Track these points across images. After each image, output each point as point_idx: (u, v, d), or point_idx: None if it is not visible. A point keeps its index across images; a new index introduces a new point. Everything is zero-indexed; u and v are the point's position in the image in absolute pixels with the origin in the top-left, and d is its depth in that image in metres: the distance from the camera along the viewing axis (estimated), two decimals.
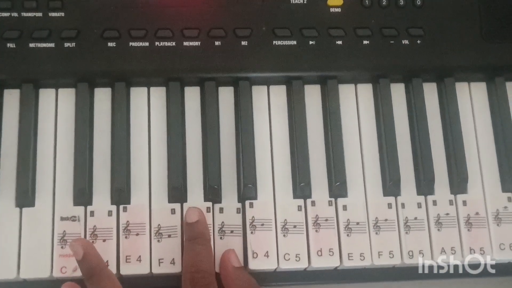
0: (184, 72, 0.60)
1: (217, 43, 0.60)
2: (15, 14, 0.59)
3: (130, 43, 0.59)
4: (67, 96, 0.59)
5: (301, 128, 0.59)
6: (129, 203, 0.57)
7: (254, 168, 0.58)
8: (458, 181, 0.59)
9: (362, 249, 0.57)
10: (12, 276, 0.54)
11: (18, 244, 0.55)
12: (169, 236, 0.56)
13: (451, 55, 0.61)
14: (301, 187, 0.57)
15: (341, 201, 0.58)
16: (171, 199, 0.57)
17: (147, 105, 0.60)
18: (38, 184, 0.57)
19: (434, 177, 0.58)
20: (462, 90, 0.62)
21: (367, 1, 0.62)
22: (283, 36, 0.60)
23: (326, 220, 0.57)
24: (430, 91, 0.62)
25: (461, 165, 0.59)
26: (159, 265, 0.55)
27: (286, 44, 0.60)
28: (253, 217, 0.57)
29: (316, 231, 0.57)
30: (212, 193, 0.57)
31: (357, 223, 0.58)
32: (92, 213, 0.56)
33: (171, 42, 0.59)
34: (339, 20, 0.61)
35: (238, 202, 0.58)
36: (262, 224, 0.57)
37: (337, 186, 0.58)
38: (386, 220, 0.58)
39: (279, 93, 0.61)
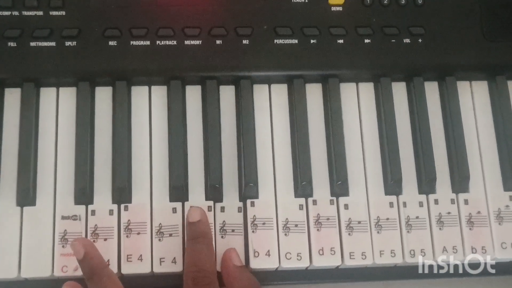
0: (185, 71, 0.59)
1: (218, 42, 0.60)
2: (16, 13, 0.59)
3: (131, 42, 0.59)
4: (68, 95, 0.59)
5: (303, 127, 0.59)
6: (130, 202, 0.57)
7: (256, 167, 0.58)
8: (460, 180, 0.59)
9: (363, 248, 0.57)
10: (13, 275, 0.54)
11: (19, 243, 0.55)
12: (170, 235, 0.56)
13: (452, 54, 0.61)
14: (303, 186, 0.57)
15: (342, 200, 0.58)
16: (172, 198, 0.57)
17: (148, 104, 0.60)
18: (39, 183, 0.57)
19: (435, 176, 0.58)
20: (464, 89, 0.62)
21: (368, 0, 0.62)
22: (284, 35, 0.60)
23: (328, 219, 0.57)
24: (431, 90, 0.62)
25: (463, 164, 0.59)
26: (160, 264, 0.55)
27: (288, 43, 0.60)
28: (254, 216, 0.57)
29: (318, 230, 0.57)
30: (214, 192, 0.57)
31: (359, 222, 0.57)
32: (93, 212, 0.56)
33: (172, 41, 0.59)
34: (340, 19, 0.61)
35: (240, 201, 0.58)
36: (264, 223, 0.57)
37: (339, 185, 0.58)
38: (387, 219, 0.58)
39: (280, 92, 0.61)
